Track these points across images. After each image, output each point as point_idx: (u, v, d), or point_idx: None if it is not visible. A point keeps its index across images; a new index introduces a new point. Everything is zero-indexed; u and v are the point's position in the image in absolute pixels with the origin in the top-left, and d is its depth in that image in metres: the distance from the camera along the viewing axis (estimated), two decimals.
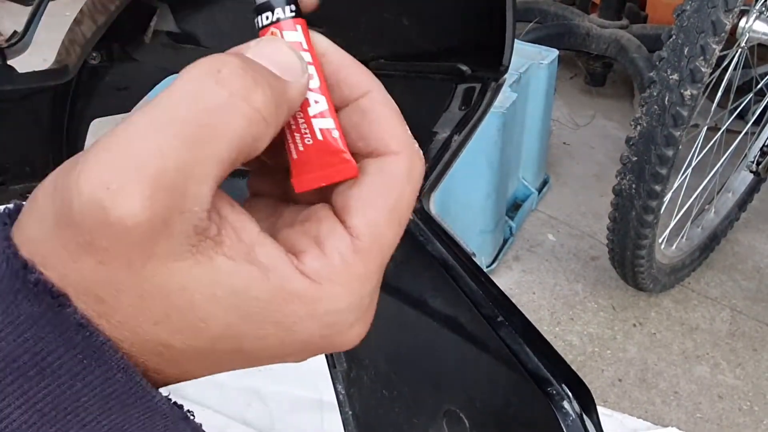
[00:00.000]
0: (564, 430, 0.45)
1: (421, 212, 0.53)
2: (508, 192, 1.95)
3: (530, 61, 1.89)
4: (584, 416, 0.46)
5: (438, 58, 0.53)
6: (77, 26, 0.48)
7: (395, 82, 0.54)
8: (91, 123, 0.58)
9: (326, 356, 0.66)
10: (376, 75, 0.51)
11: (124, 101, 0.57)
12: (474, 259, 0.53)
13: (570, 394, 0.46)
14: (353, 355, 0.64)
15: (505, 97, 1.72)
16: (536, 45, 2.02)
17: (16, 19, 2.55)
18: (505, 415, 0.51)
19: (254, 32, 0.52)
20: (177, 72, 0.55)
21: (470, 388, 0.54)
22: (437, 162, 0.53)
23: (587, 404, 0.47)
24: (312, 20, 0.53)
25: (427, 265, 0.48)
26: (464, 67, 0.52)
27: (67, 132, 0.56)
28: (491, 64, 0.51)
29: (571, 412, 0.46)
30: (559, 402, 0.46)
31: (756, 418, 1.54)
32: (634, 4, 2.64)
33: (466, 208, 1.75)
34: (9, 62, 0.52)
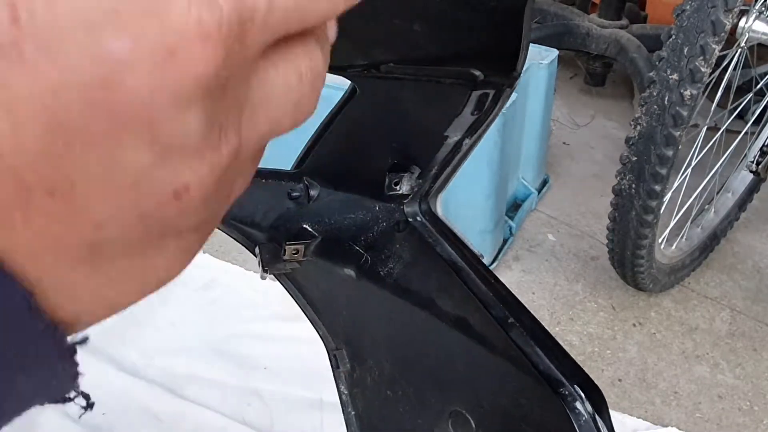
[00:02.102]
0: (577, 430, 0.46)
1: (428, 214, 0.53)
2: (508, 192, 1.94)
3: (530, 61, 1.89)
4: (596, 417, 0.46)
5: (450, 63, 0.52)
6: None
7: (405, 86, 0.54)
8: None
9: (329, 357, 0.66)
10: (388, 79, 0.51)
11: None
12: (482, 260, 0.52)
13: (582, 395, 0.46)
14: (357, 355, 0.64)
15: None
16: (536, 45, 2.02)
17: None
18: (514, 417, 0.51)
19: None
20: None
21: (478, 389, 0.54)
22: (446, 166, 0.53)
23: (599, 405, 0.47)
24: None
25: (435, 266, 0.48)
26: (477, 72, 0.52)
27: None
28: (504, 70, 0.51)
29: (583, 412, 0.46)
30: (572, 402, 0.46)
31: (756, 417, 1.54)
32: (633, 4, 2.64)
33: (465, 207, 1.75)
34: None
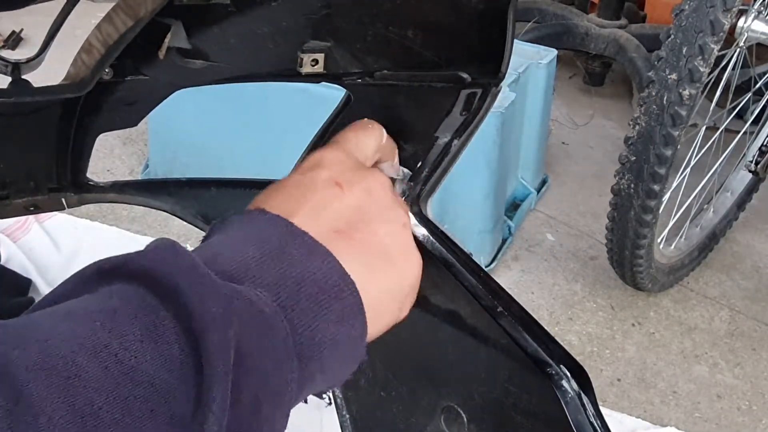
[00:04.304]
0: (564, 407, 0.48)
1: (419, 215, 0.54)
2: (507, 192, 1.95)
3: (529, 60, 1.89)
4: (582, 395, 0.49)
5: (440, 67, 0.55)
6: (95, 40, 0.48)
7: (398, 92, 0.56)
8: (97, 138, 0.58)
9: None
10: (381, 85, 0.54)
11: (131, 116, 0.57)
12: (472, 257, 0.55)
13: (569, 373, 0.49)
14: None
15: (503, 97, 1.72)
16: (535, 45, 2.02)
17: (14, 19, 2.55)
18: (504, 405, 0.53)
19: (263, 47, 0.55)
20: (185, 87, 0.56)
21: (468, 382, 0.56)
22: (437, 167, 0.54)
23: (585, 384, 0.49)
24: (321, 35, 0.55)
25: (427, 264, 0.50)
26: (464, 75, 0.54)
27: (73, 146, 0.57)
28: (490, 72, 0.53)
29: (570, 390, 0.48)
30: (559, 381, 0.49)
31: (755, 417, 1.54)
32: (632, 4, 2.64)
33: (464, 207, 1.75)
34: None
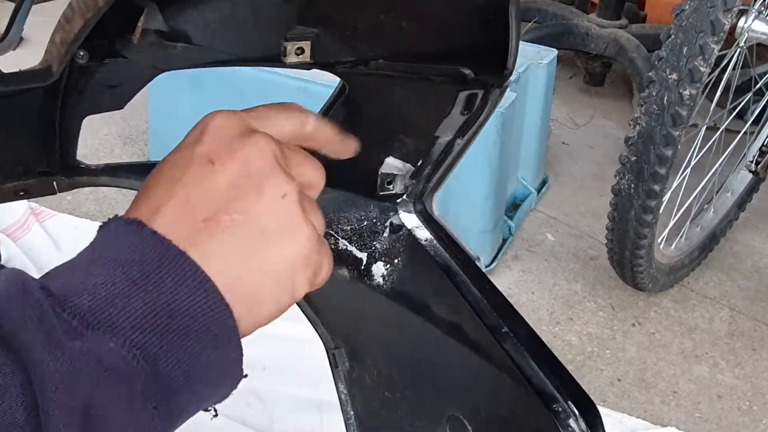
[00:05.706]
0: None
1: (423, 213, 0.53)
2: (507, 192, 1.94)
3: (529, 60, 1.89)
4: None
5: (439, 61, 0.52)
6: (65, 23, 0.46)
7: (395, 83, 0.53)
8: (84, 119, 0.56)
9: (328, 356, 0.66)
10: (377, 75, 0.52)
11: (115, 98, 0.55)
12: (478, 263, 0.52)
13: (576, 412, 0.45)
14: (355, 355, 0.64)
15: (504, 97, 1.72)
16: (535, 44, 2.02)
17: None
18: (510, 425, 0.50)
19: (246, 32, 0.53)
20: (169, 69, 0.54)
21: (474, 396, 0.53)
22: (439, 165, 0.53)
23: (593, 421, 0.45)
24: (308, 21, 0.53)
25: (429, 270, 0.48)
26: (466, 71, 0.51)
27: (60, 129, 0.55)
28: (494, 69, 0.50)
29: (577, 430, 0.45)
30: (565, 420, 0.45)
31: (755, 417, 1.54)
32: (633, 4, 2.64)
33: (465, 207, 1.75)
34: None
